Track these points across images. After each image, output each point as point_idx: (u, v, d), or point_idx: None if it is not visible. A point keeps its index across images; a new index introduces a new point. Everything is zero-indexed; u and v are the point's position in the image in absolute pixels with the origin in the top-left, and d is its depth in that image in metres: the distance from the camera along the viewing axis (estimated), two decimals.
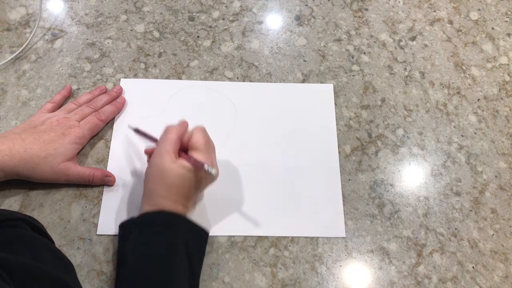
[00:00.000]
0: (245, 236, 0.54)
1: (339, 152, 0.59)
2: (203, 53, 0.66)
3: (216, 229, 0.54)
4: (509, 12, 0.72)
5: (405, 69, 0.66)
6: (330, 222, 0.55)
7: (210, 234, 0.53)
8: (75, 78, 0.63)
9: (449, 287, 0.52)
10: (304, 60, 0.66)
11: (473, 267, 0.54)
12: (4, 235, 0.41)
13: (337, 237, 0.54)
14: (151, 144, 0.55)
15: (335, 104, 0.63)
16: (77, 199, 0.55)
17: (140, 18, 0.68)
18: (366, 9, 0.71)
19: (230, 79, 0.64)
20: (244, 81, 0.64)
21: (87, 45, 0.65)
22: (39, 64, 0.63)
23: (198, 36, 0.67)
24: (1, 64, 0.62)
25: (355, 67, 0.66)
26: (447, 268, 0.53)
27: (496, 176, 0.59)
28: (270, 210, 0.55)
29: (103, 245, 0.52)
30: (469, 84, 0.65)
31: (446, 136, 0.61)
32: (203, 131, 0.50)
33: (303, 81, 0.64)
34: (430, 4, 0.72)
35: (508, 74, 0.67)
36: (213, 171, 0.46)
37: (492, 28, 0.70)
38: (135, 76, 0.63)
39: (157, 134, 0.59)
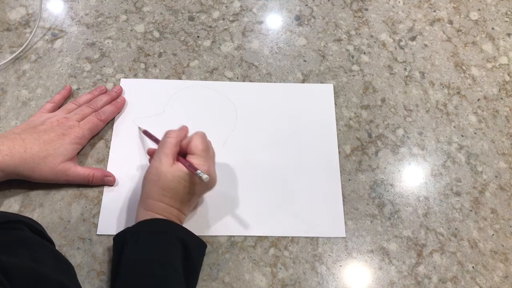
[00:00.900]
0: (245, 236, 0.54)
1: (339, 152, 0.59)
2: (203, 53, 0.66)
3: (216, 229, 0.54)
4: (509, 12, 0.72)
5: (405, 69, 0.66)
6: (330, 222, 0.55)
7: (210, 234, 0.54)
8: (75, 78, 0.63)
9: (449, 287, 0.52)
10: (304, 60, 0.66)
11: (473, 267, 0.54)
12: (3, 237, 0.41)
13: (337, 237, 0.54)
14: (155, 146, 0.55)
15: (335, 104, 0.63)
16: (77, 199, 0.55)
17: (140, 18, 0.68)
18: (366, 9, 0.71)
19: (230, 79, 0.64)
20: (244, 81, 0.64)
21: (87, 45, 0.65)
22: (39, 64, 0.63)
23: (198, 36, 0.67)
24: (1, 64, 0.62)
25: (355, 67, 0.66)
26: (447, 268, 0.53)
27: (496, 176, 0.59)
28: (270, 210, 0.55)
29: (103, 245, 0.52)
30: (469, 84, 0.65)
31: (446, 136, 0.61)
32: (203, 136, 0.50)
33: (303, 81, 0.64)
34: (430, 4, 0.72)
35: (508, 74, 0.67)
36: (204, 177, 0.45)
37: (492, 28, 0.70)
38: (135, 76, 0.63)
39: (157, 134, 0.59)
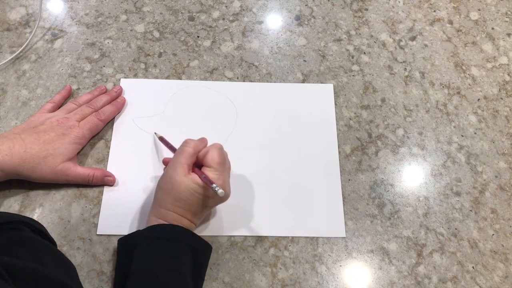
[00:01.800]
0: (245, 236, 0.54)
1: (339, 152, 0.59)
2: (203, 53, 0.66)
3: (216, 229, 0.54)
4: (509, 12, 0.72)
5: (405, 69, 0.66)
6: (330, 222, 0.55)
7: (210, 234, 0.54)
8: (75, 78, 0.63)
9: (449, 287, 0.52)
10: (304, 60, 0.66)
11: (473, 267, 0.54)
12: (5, 238, 0.41)
13: (337, 237, 0.54)
14: (170, 155, 0.55)
15: (335, 104, 0.63)
16: (77, 199, 0.55)
17: (140, 18, 0.68)
18: (366, 9, 0.71)
19: (230, 79, 0.64)
20: (244, 81, 0.64)
21: (87, 45, 0.65)
22: (39, 64, 0.63)
23: (198, 36, 0.67)
24: (1, 64, 0.62)
25: (355, 67, 0.66)
26: (447, 268, 0.53)
27: (496, 176, 0.59)
28: (270, 210, 0.55)
29: (103, 245, 0.52)
30: (469, 84, 0.65)
31: (446, 136, 0.61)
32: (220, 149, 0.50)
33: (303, 81, 0.64)
34: (430, 4, 0.72)
35: (508, 74, 0.67)
36: (219, 192, 0.45)
37: (492, 28, 0.70)
38: (135, 76, 0.63)
39: (157, 132, 0.59)
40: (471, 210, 0.57)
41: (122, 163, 0.57)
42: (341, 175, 0.58)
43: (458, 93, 0.65)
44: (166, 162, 0.54)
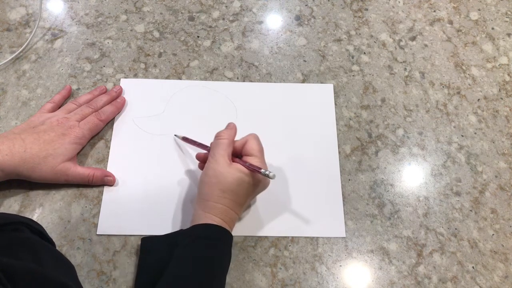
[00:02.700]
0: (245, 236, 0.54)
1: (339, 152, 0.59)
2: (203, 53, 0.66)
3: None
4: (509, 12, 0.72)
5: (405, 69, 0.66)
6: (330, 222, 0.55)
7: None
8: (75, 78, 0.63)
9: (449, 287, 0.52)
10: (304, 60, 0.66)
11: (473, 267, 0.54)
12: (4, 239, 0.41)
13: (337, 237, 0.54)
14: (200, 150, 0.56)
15: (335, 104, 0.63)
16: (77, 199, 0.55)
17: (140, 18, 0.68)
18: (366, 9, 0.71)
19: (230, 79, 0.64)
20: (244, 81, 0.64)
21: (87, 45, 0.65)
22: (39, 64, 0.63)
23: (198, 36, 0.67)
24: (1, 64, 0.62)
25: (355, 67, 0.66)
26: (447, 268, 0.53)
27: (496, 176, 0.59)
28: (270, 210, 0.55)
29: (103, 245, 0.52)
30: (469, 84, 0.65)
31: (446, 136, 0.61)
32: (257, 138, 0.51)
33: (303, 81, 0.64)
34: (430, 4, 0.72)
35: (508, 74, 0.67)
36: (271, 175, 0.46)
37: (492, 28, 0.70)
38: (135, 76, 0.63)
39: (157, 133, 0.59)
40: (471, 210, 0.57)
41: (122, 163, 0.57)
42: (341, 175, 0.58)
43: (458, 93, 0.65)
44: (200, 157, 0.54)
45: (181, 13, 0.69)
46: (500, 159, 0.60)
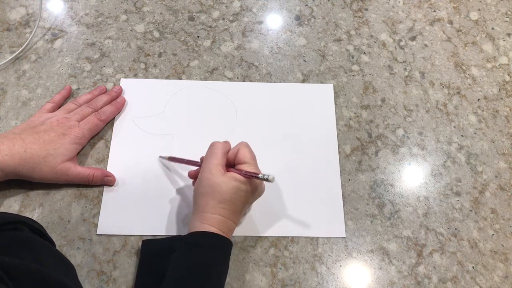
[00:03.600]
0: (245, 236, 0.54)
1: (339, 152, 0.59)
2: (203, 53, 0.66)
3: None
4: (509, 12, 0.72)
5: (405, 69, 0.66)
6: (330, 222, 0.55)
7: None
8: (75, 78, 0.63)
9: (449, 287, 0.52)
10: (304, 60, 0.66)
11: (473, 267, 0.54)
12: (4, 238, 0.41)
13: (337, 237, 0.54)
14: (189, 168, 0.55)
15: (335, 104, 0.63)
16: (77, 199, 0.55)
17: (140, 18, 0.68)
18: (366, 9, 0.71)
19: (230, 79, 0.64)
20: (244, 81, 0.64)
21: (87, 45, 0.65)
22: (39, 64, 0.63)
23: (198, 36, 0.67)
24: (1, 64, 0.62)
25: (355, 67, 0.66)
26: (447, 268, 0.53)
27: (496, 176, 0.59)
28: (270, 210, 0.55)
29: (103, 245, 0.52)
30: (469, 84, 0.65)
31: (446, 136, 0.61)
32: (248, 146, 0.51)
33: (303, 81, 0.64)
34: (430, 4, 0.72)
35: (508, 74, 0.67)
36: (271, 177, 0.45)
37: (492, 28, 0.70)
38: (135, 76, 0.63)
39: (157, 133, 0.59)
40: (471, 210, 0.57)
41: (122, 163, 0.57)
42: (341, 175, 0.58)
43: (458, 93, 0.65)
44: (192, 175, 0.54)
45: (181, 13, 0.69)
46: (500, 159, 0.60)
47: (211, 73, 0.64)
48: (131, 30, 0.67)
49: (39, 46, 0.65)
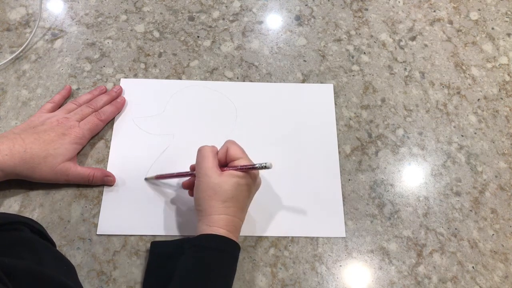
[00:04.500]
0: (245, 236, 0.54)
1: (339, 152, 0.59)
2: (203, 53, 0.66)
3: None
4: (509, 12, 0.72)
5: (405, 69, 0.66)
6: (330, 222, 0.55)
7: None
8: (75, 78, 0.63)
9: (449, 287, 0.52)
10: (304, 60, 0.66)
11: (473, 267, 0.54)
12: (4, 238, 0.41)
13: (337, 237, 0.54)
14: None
15: (335, 104, 0.63)
16: (77, 199, 0.55)
17: (140, 18, 0.68)
18: (366, 9, 0.71)
19: (230, 79, 0.64)
20: (244, 81, 0.64)
21: (87, 45, 0.65)
22: (39, 64, 0.63)
23: (198, 36, 0.67)
24: (1, 64, 0.62)
25: (355, 67, 0.66)
26: (447, 268, 0.53)
27: (496, 176, 0.59)
28: (270, 210, 0.55)
29: (103, 245, 0.52)
30: (469, 84, 0.65)
31: (446, 136, 0.61)
32: (236, 143, 0.50)
33: (303, 81, 0.64)
34: (430, 4, 0.72)
35: (508, 74, 0.67)
36: (268, 164, 0.46)
37: (492, 28, 0.70)
38: (135, 76, 0.63)
39: (157, 133, 0.59)
40: (471, 210, 0.57)
41: (122, 163, 0.57)
42: (341, 175, 0.58)
43: (458, 93, 0.65)
44: (186, 185, 0.53)
45: (181, 13, 0.69)
46: (500, 159, 0.60)
47: (211, 73, 0.64)
48: (131, 30, 0.67)
49: (39, 46, 0.65)
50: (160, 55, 0.65)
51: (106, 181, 0.55)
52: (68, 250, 0.52)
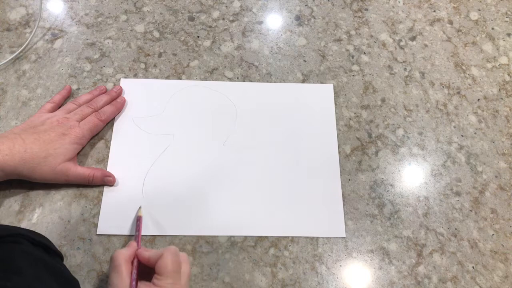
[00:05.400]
0: (245, 236, 0.54)
1: (339, 152, 0.59)
2: (203, 53, 0.66)
3: (216, 229, 0.54)
4: (509, 12, 0.72)
5: (405, 69, 0.66)
6: (330, 222, 0.55)
7: (210, 234, 0.54)
8: (75, 78, 0.63)
9: (449, 287, 0.52)
10: (304, 60, 0.66)
11: (473, 267, 0.54)
12: (3, 252, 0.39)
13: (337, 237, 0.54)
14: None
15: (335, 104, 0.63)
16: (77, 199, 0.55)
17: (140, 18, 0.68)
18: (366, 9, 0.71)
19: (230, 79, 0.64)
20: (244, 81, 0.64)
21: (87, 45, 0.65)
22: (39, 64, 0.63)
23: (198, 36, 0.67)
24: (1, 64, 0.62)
25: (355, 67, 0.66)
26: (447, 268, 0.53)
27: (496, 176, 0.59)
28: (270, 210, 0.55)
29: (103, 245, 0.52)
30: (469, 84, 0.65)
31: (446, 136, 0.61)
32: (174, 254, 0.43)
33: (303, 81, 0.64)
34: (430, 4, 0.72)
35: (508, 74, 0.67)
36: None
37: (492, 28, 0.70)
38: (135, 76, 0.63)
39: (157, 133, 0.59)
40: (471, 210, 0.57)
41: (122, 163, 0.57)
42: (341, 175, 0.58)
43: (458, 93, 0.65)
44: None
45: (181, 13, 0.69)
46: (500, 159, 0.60)
47: (211, 73, 0.64)
48: (131, 30, 0.67)
49: (39, 46, 0.65)
50: (160, 55, 0.65)
51: (106, 181, 0.55)
52: (68, 250, 0.52)
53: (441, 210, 0.57)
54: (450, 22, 0.70)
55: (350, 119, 0.62)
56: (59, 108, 0.59)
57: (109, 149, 0.58)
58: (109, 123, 0.59)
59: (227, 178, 0.57)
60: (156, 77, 0.63)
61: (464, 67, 0.67)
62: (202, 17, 0.69)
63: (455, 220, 0.56)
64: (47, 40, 0.66)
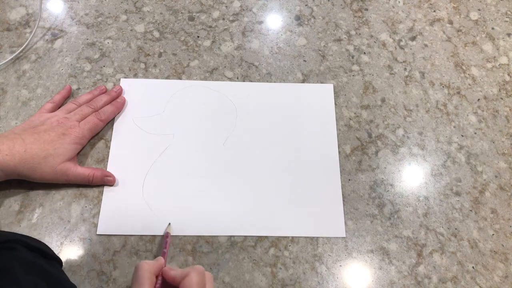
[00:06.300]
0: (245, 236, 0.54)
1: (339, 152, 0.59)
2: (203, 53, 0.66)
3: (216, 229, 0.54)
4: (509, 12, 0.72)
5: (405, 69, 0.66)
6: (330, 222, 0.55)
7: (210, 234, 0.54)
8: (75, 78, 0.63)
9: (449, 287, 0.52)
10: (304, 60, 0.66)
11: (473, 267, 0.54)
12: (1, 260, 0.39)
13: (337, 237, 0.54)
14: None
15: (335, 104, 0.63)
16: (77, 199, 0.55)
17: (140, 18, 0.68)
18: (366, 9, 0.71)
19: (230, 79, 0.64)
20: (244, 81, 0.64)
21: (87, 45, 0.65)
22: (39, 64, 0.63)
23: (198, 36, 0.67)
24: (1, 64, 0.62)
25: (355, 67, 0.66)
26: (447, 268, 0.53)
27: (496, 176, 0.59)
28: (270, 210, 0.55)
29: (103, 245, 0.52)
30: (469, 84, 0.65)
31: (446, 136, 0.61)
32: (201, 273, 0.43)
33: (303, 81, 0.64)
34: (430, 4, 0.72)
35: (508, 74, 0.67)
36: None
37: (492, 28, 0.70)
38: (135, 76, 0.63)
39: (157, 133, 0.59)
40: (471, 210, 0.57)
41: (122, 163, 0.57)
42: (341, 175, 0.58)
43: (458, 93, 0.65)
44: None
45: (181, 13, 0.69)
46: (500, 159, 0.60)
47: (211, 73, 0.64)
48: (131, 30, 0.67)
49: (39, 46, 0.65)
50: (160, 55, 0.65)
51: (106, 181, 0.55)
52: (68, 250, 0.52)
53: (441, 210, 0.57)
54: (450, 22, 0.70)
55: (350, 119, 0.62)
56: (59, 108, 0.59)
57: (109, 149, 0.58)
58: (109, 123, 0.59)
59: (227, 178, 0.57)
60: (156, 77, 0.63)
61: (464, 67, 0.67)
62: (202, 17, 0.69)
63: (455, 220, 0.56)
64: (47, 40, 0.66)
